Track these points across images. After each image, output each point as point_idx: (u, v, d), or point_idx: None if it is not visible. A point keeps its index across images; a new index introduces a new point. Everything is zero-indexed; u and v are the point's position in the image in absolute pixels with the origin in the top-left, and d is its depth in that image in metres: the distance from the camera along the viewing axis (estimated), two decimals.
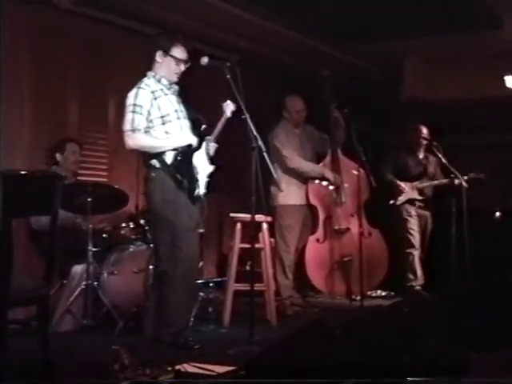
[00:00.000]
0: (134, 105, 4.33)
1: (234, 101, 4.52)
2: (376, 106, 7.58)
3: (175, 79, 4.52)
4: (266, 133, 5.83)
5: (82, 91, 6.06)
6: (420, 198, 6.73)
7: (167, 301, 4.34)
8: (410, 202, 6.70)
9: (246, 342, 4.25)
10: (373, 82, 7.81)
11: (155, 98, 4.39)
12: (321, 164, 6.35)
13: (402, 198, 6.69)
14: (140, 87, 4.39)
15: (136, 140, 4.34)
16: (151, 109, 4.36)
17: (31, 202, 3.36)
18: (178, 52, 4.48)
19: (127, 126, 4.33)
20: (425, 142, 6.72)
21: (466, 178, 6.44)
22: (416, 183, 6.73)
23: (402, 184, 6.70)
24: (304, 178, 6.22)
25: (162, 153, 4.35)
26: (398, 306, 5.20)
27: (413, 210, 6.70)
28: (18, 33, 5.38)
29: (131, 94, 4.38)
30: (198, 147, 4.50)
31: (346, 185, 6.33)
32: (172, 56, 4.46)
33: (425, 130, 6.73)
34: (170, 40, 4.50)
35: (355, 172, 6.17)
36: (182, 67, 4.50)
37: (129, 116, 4.34)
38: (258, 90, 6.78)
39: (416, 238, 6.67)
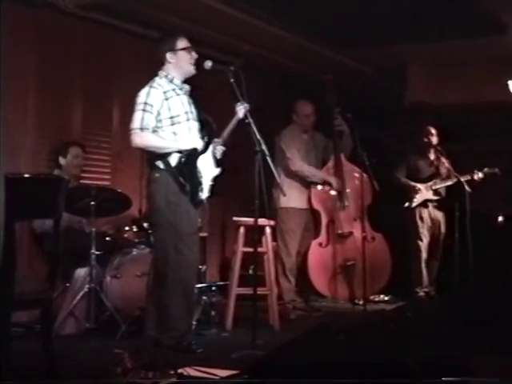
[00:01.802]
0: (145, 103, 4.31)
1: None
2: (380, 111, 7.58)
3: (192, 70, 4.51)
4: (268, 137, 5.82)
5: (85, 94, 6.06)
6: (435, 198, 6.68)
7: (168, 305, 4.33)
8: (424, 204, 6.67)
9: (248, 346, 4.24)
10: (376, 87, 7.81)
11: (166, 99, 4.38)
12: (324, 168, 6.35)
13: (417, 200, 6.64)
14: (152, 86, 4.39)
15: (143, 139, 4.32)
16: (161, 109, 4.35)
17: (35, 205, 3.36)
18: (184, 43, 4.50)
19: (136, 124, 4.31)
20: (433, 144, 6.71)
21: (480, 174, 6.43)
22: (430, 183, 6.68)
23: (418, 185, 6.67)
24: (306, 182, 6.22)
25: (168, 154, 4.34)
26: (401, 310, 5.19)
27: (425, 214, 6.67)
28: (22, 36, 5.38)
29: (143, 93, 4.36)
30: (204, 151, 4.50)
31: (348, 190, 6.33)
32: (181, 49, 4.47)
33: (433, 131, 6.70)
34: (173, 37, 4.51)
35: (358, 176, 6.16)
36: (194, 54, 4.52)
37: (138, 114, 4.31)
38: (262, 94, 6.77)
39: (424, 243, 6.65)
